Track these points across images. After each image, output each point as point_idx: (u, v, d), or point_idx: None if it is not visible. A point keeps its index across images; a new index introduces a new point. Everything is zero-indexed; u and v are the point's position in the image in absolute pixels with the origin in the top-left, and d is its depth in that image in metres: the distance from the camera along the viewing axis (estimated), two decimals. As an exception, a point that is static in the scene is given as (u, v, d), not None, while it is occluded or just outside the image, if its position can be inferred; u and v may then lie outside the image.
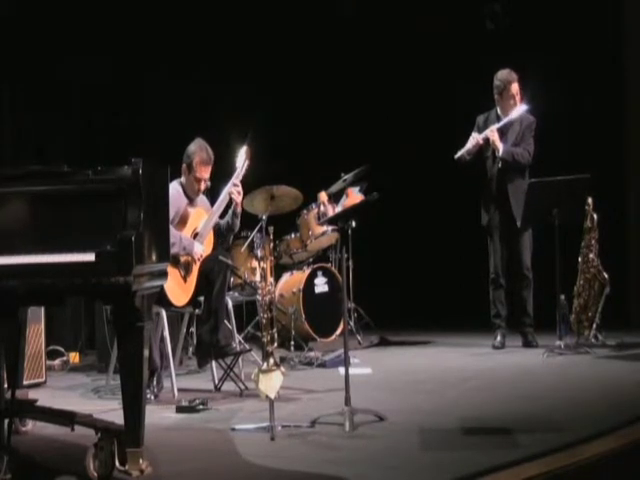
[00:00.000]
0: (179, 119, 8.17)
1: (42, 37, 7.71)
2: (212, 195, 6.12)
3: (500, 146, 7.00)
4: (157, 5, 8.47)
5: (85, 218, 3.83)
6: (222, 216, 6.07)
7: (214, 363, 5.84)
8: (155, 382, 5.54)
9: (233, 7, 8.79)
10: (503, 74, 7.06)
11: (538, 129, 7.14)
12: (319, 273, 7.79)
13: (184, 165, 5.92)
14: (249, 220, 7.00)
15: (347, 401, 4.56)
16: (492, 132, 7.02)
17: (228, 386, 5.71)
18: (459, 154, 7.09)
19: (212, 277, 5.73)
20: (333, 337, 7.68)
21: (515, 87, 7.01)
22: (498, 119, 7.12)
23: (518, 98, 7.03)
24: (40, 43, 7.69)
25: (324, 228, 7.57)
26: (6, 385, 4.27)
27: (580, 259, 6.95)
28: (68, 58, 7.87)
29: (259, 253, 5.03)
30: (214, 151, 5.96)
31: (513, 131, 7.08)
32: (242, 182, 6.05)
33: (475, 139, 7.03)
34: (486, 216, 7.18)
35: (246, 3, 8.83)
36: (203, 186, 5.95)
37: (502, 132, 7.06)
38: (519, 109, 7.03)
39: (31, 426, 4.65)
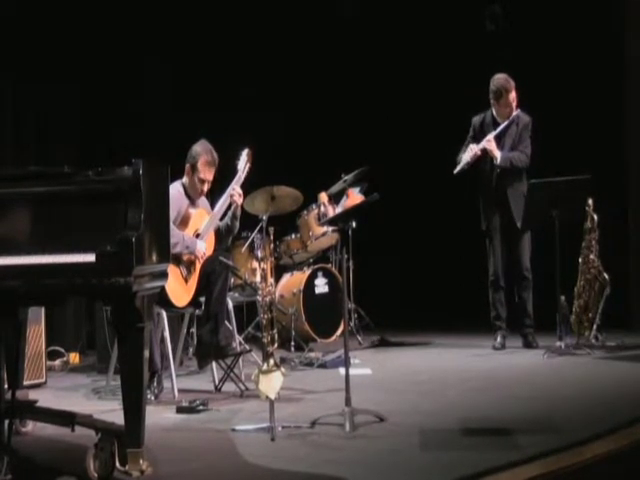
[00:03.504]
0: (180, 120, 8.17)
1: (44, 36, 7.71)
2: (213, 197, 6.13)
3: (498, 155, 6.99)
4: (160, 4, 8.47)
5: (85, 219, 3.83)
6: (221, 218, 6.08)
7: (214, 364, 5.85)
8: (155, 383, 5.55)
9: (234, 9, 8.80)
10: (500, 81, 7.02)
11: (538, 130, 7.15)
12: (319, 274, 7.80)
13: (188, 165, 5.92)
14: (249, 221, 7.01)
15: (347, 402, 4.57)
16: (489, 142, 7.01)
17: (228, 387, 5.72)
18: (458, 169, 7.09)
19: (213, 278, 5.73)
20: (333, 338, 7.69)
21: (512, 95, 7.00)
22: (494, 122, 7.12)
23: (514, 105, 7.03)
24: (42, 43, 7.68)
25: (324, 229, 7.58)
26: (6, 386, 4.27)
27: (580, 260, 6.96)
28: (70, 58, 7.87)
29: (259, 254, 5.03)
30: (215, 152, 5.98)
31: (510, 133, 7.08)
32: (243, 183, 6.06)
33: (473, 151, 7.02)
34: (486, 220, 7.18)
35: (247, 5, 8.84)
36: (206, 187, 5.96)
37: (499, 136, 7.06)
38: (515, 115, 7.03)
39: (31, 427, 4.65)
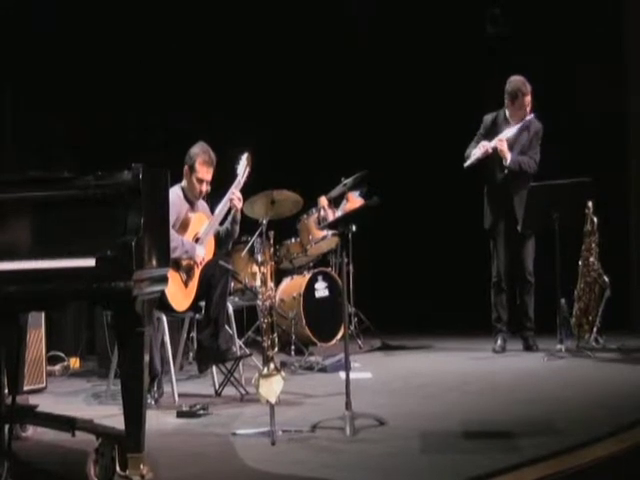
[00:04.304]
0: (180, 124, 8.17)
1: (44, 37, 7.71)
2: (212, 201, 6.12)
3: (508, 156, 6.99)
4: (160, 7, 8.47)
5: (85, 223, 3.82)
6: (222, 223, 6.08)
7: (214, 368, 5.85)
8: (156, 387, 5.54)
9: (234, 12, 8.80)
10: (517, 83, 7.02)
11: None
12: (319, 277, 7.79)
13: (186, 167, 5.93)
14: (249, 225, 7.01)
15: (348, 405, 4.57)
16: (501, 142, 7.01)
17: (229, 391, 5.71)
18: (468, 163, 7.09)
19: (213, 282, 5.74)
20: (333, 341, 7.69)
21: (527, 99, 6.99)
22: (506, 122, 7.12)
23: (529, 109, 7.03)
24: (41, 43, 7.68)
25: (324, 232, 7.58)
26: (6, 391, 4.27)
27: (580, 263, 6.96)
28: (70, 59, 7.87)
29: (259, 258, 5.02)
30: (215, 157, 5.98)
31: (521, 138, 7.08)
32: (242, 187, 6.06)
33: (484, 147, 7.03)
34: (489, 219, 7.18)
35: (248, 8, 8.84)
36: (205, 187, 5.96)
37: (510, 138, 7.05)
38: (528, 119, 7.03)
39: (32, 432, 4.65)
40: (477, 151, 7.07)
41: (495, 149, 7.02)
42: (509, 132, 7.05)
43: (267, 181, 7.03)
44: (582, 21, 8.32)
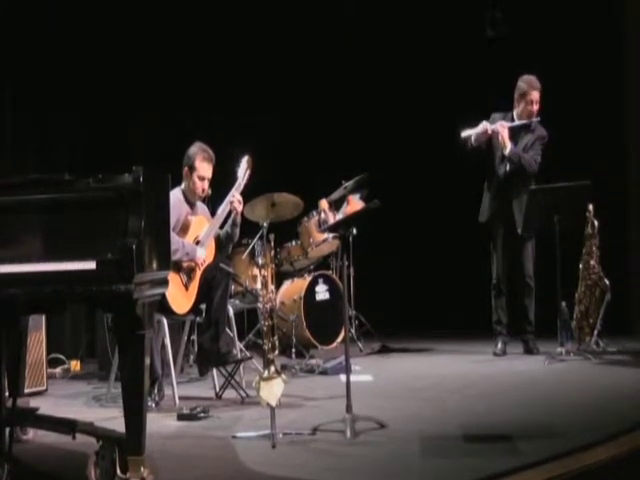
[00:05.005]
0: (178, 128, 8.17)
1: (44, 37, 7.71)
2: (213, 204, 6.12)
3: (508, 144, 6.97)
4: (160, 7, 8.47)
5: (86, 226, 3.81)
6: (222, 226, 6.08)
7: (215, 371, 5.84)
8: (156, 390, 5.54)
9: (232, 14, 8.80)
10: (529, 79, 7.05)
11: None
12: (320, 280, 7.80)
13: (185, 168, 5.93)
14: (250, 227, 7.00)
15: (348, 408, 4.57)
16: (503, 127, 6.99)
17: (229, 394, 5.71)
18: (466, 134, 7.05)
19: (214, 285, 5.74)
20: (334, 344, 7.69)
21: (536, 95, 7.00)
22: (513, 122, 7.11)
23: (536, 107, 7.02)
24: (41, 43, 7.69)
25: (325, 235, 7.58)
26: (7, 393, 4.27)
27: (581, 266, 6.96)
28: (70, 58, 7.87)
29: (260, 260, 5.03)
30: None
31: (524, 138, 7.07)
32: (243, 190, 6.06)
33: (485, 126, 7.01)
34: (485, 214, 7.17)
35: (246, 11, 8.84)
36: (206, 185, 5.95)
37: (513, 134, 7.04)
38: (535, 121, 7.03)
39: (32, 434, 4.65)
40: (477, 128, 7.04)
41: (495, 133, 6.99)
42: (514, 124, 7.03)
43: (268, 184, 7.03)
44: (582, 21, 8.32)
